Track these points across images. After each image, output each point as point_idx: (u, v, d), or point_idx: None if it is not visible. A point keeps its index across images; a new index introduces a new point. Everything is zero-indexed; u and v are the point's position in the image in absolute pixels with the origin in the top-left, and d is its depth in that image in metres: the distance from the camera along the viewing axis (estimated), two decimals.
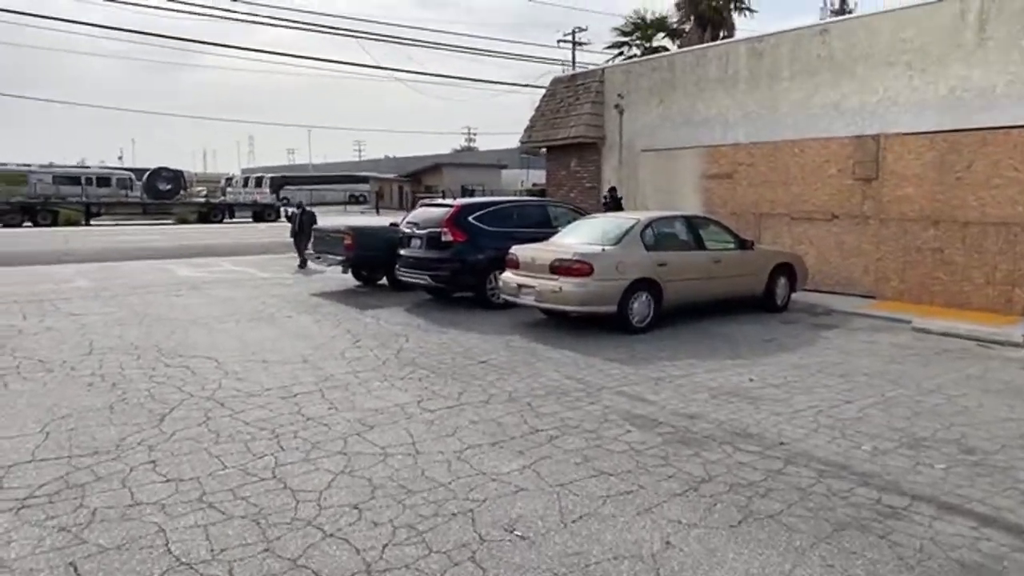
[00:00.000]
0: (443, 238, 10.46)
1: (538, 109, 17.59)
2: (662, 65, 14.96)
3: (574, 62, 56.31)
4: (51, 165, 53.07)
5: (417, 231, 10.90)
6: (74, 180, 45.81)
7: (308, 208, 16.99)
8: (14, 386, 6.53)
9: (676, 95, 14.48)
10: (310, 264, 15.36)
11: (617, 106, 15.50)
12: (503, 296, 9.57)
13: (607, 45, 30.06)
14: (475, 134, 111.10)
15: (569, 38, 56.23)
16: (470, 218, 10.64)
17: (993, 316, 9.58)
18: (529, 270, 9.08)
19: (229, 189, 61.41)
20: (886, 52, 11.07)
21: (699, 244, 9.65)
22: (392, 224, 13.71)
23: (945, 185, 10.35)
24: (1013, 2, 9.63)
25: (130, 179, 48.28)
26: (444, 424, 5.47)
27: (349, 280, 14.02)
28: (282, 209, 37.28)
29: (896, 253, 11.00)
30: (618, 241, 8.89)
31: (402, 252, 11.29)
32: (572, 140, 16.24)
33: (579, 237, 9.46)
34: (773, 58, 12.72)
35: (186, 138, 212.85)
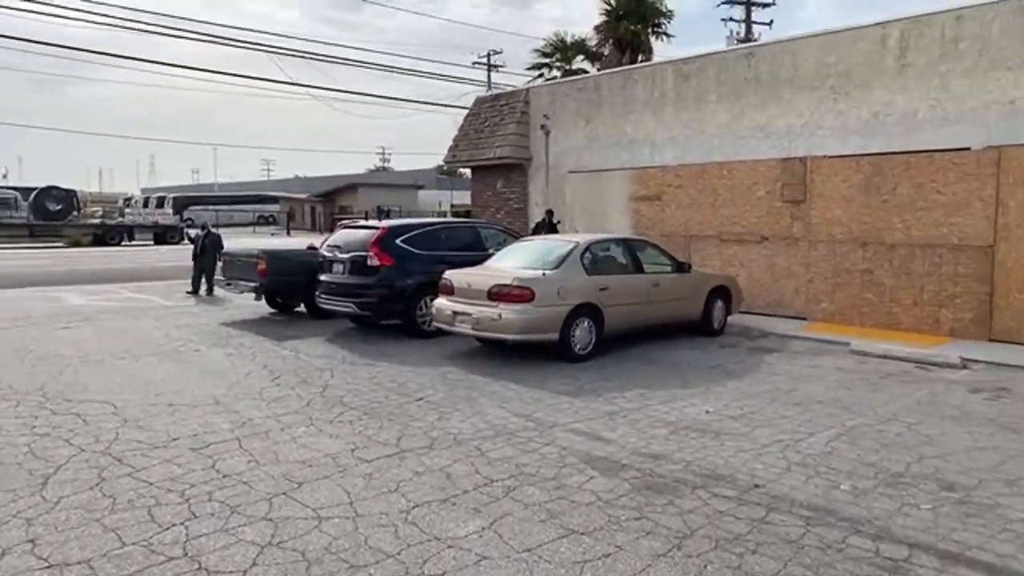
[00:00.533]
0: (369, 262, 9.77)
1: (461, 129, 17.14)
2: (588, 86, 14.82)
3: (489, 84, 56.52)
4: None
5: (340, 255, 10.16)
6: None
7: (213, 230, 15.72)
8: None
9: (603, 116, 14.33)
10: (218, 291, 14.22)
11: (543, 127, 15.24)
12: (436, 324, 8.96)
13: (528, 66, 30.15)
14: (390, 154, 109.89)
15: (484, 60, 56.61)
16: (398, 241, 10.00)
17: (922, 336, 9.71)
18: (465, 296, 8.53)
19: (128, 210, 57.96)
20: (811, 76, 11.22)
21: (638, 267, 9.36)
22: (310, 247, 12.87)
23: (872, 208, 10.50)
24: (931, 29, 9.90)
25: (15, 199, 44.78)
26: (385, 477, 4.82)
27: (262, 308, 13.05)
28: (186, 231, 35.14)
29: (826, 275, 11.08)
30: (558, 265, 8.47)
31: (323, 278, 10.50)
32: (498, 161, 15.86)
33: (516, 261, 8.99)
34: (699, 80, 12.74)
35: (80, 157, 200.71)
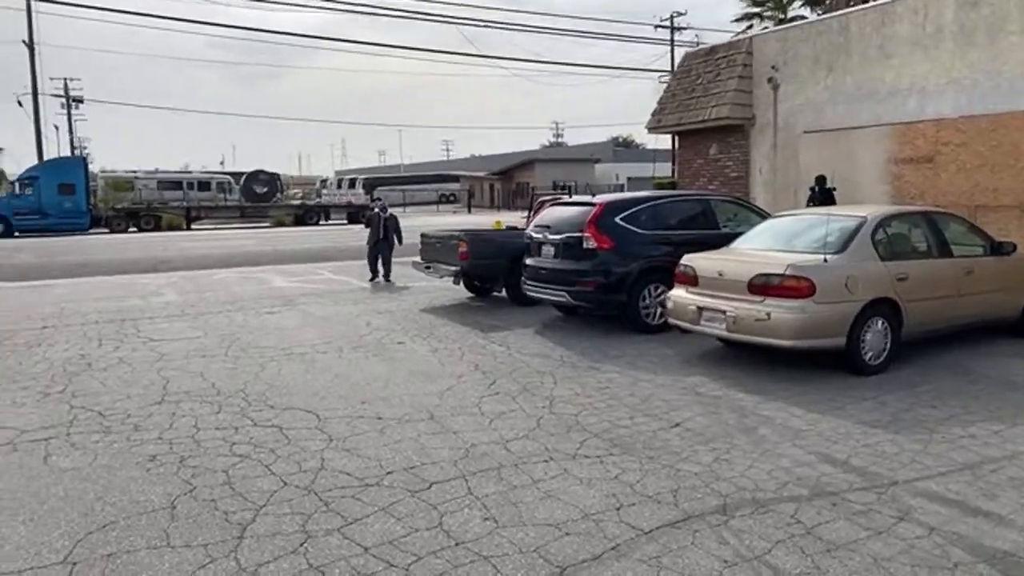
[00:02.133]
0: (584, 245, 8.34)
1: (668, 90, 15.24)
2: (831, 28, 12.34)
3: (672, 51, 53.37)
4: (156, 171, 54.43)
5: (550, 236, 8.82)
6: (176, 185, 46.65)
7: (390, 211, 14.53)
8: (57, 460, 4.86)
9: (851, 63, 11.84)
10: (400, 273, 13.54)
11: (771, 80, 12.98)
12: (674, 322, 7.34)
13: (734, 18, 26.88)
14: (563, 129, 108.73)
15: (667, 23, 53.43)
16: (617, 219, 8.47)
17: None
18: (714, 288, 6.83)
19: (324, 191, 61.62)
20: None
21: (944, 249, 7.14)
22: (511, 228, 11.76)
23: None
24: None
25: (229, 183, 48.81)
26: (682, 564, 3.34)
27: (461, 292, 12.15)
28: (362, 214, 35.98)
29: None
30: (843, 247, 6.50)
31: (530, 262, 9.25)
32: (713, 123, 13.82)
33: (779, 242, 7.13)
34: (995, 6, 9.94)
35: (282, 143, 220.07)
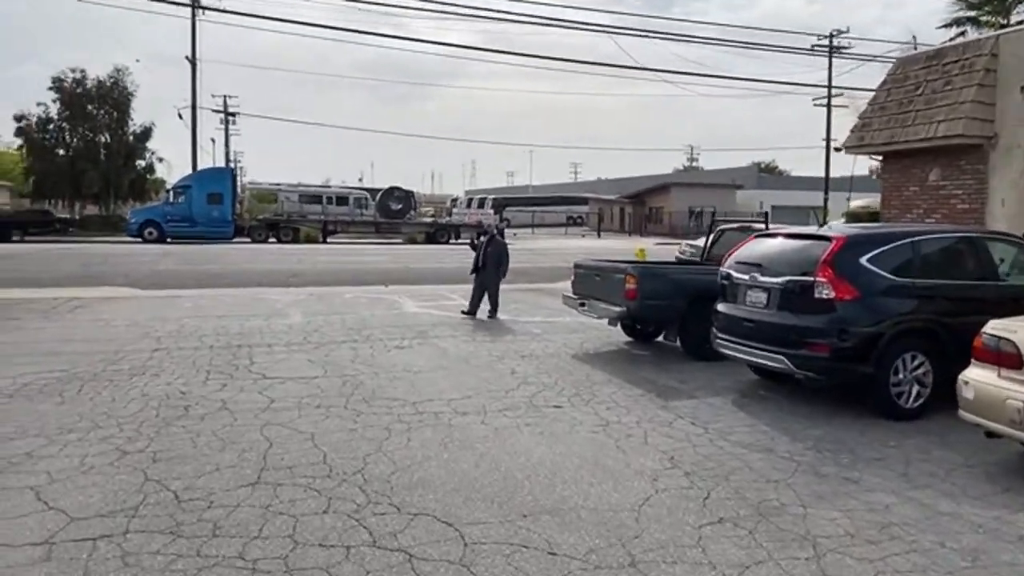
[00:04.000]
0: (817, 293, 6.14)
1: (874, 102, 12.64)
2: None
3: (830, 72, 49.25)
4: (298, 184, 56.33)
5: (760, 279, 6.68)
6: (316, 199, 47.68)
7: (498, 235, 12.47)
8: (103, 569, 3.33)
9: None
10: (508, 312, 11.71)
11: None
12: (972, 418, 4.99)
13: (941, 24, 23.36)
14: (699, 153, 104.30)
15: (826, 42, 49.56)
16: (863, 260, 6.21)
17: None
18: None
19: (455, 210, 61.62)
20: None
21: None
22: (681, 259, 9.69)
23: None
24: None
25: (366, 199, 49.45)
26: None
27: (615, 334, 10.19)
28: (472, 237, 34.58)
29: None
30: None
31: (723, 309, 7.16)
32: (940, 141, 11.13)
33: None
34: None
35: (416, 162, 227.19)
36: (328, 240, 38.02)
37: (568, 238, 50.55)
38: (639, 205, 64.08)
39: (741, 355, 6.82)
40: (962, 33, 21.15)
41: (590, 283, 9.21)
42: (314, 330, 10.49)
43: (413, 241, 39.58)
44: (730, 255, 7.37)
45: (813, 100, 52.12)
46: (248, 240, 35.95)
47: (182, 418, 5.99)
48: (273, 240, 36.37)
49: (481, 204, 63.18)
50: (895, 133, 11.88)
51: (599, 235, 55.77)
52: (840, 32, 49.45)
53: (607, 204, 68.85)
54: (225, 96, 55.89)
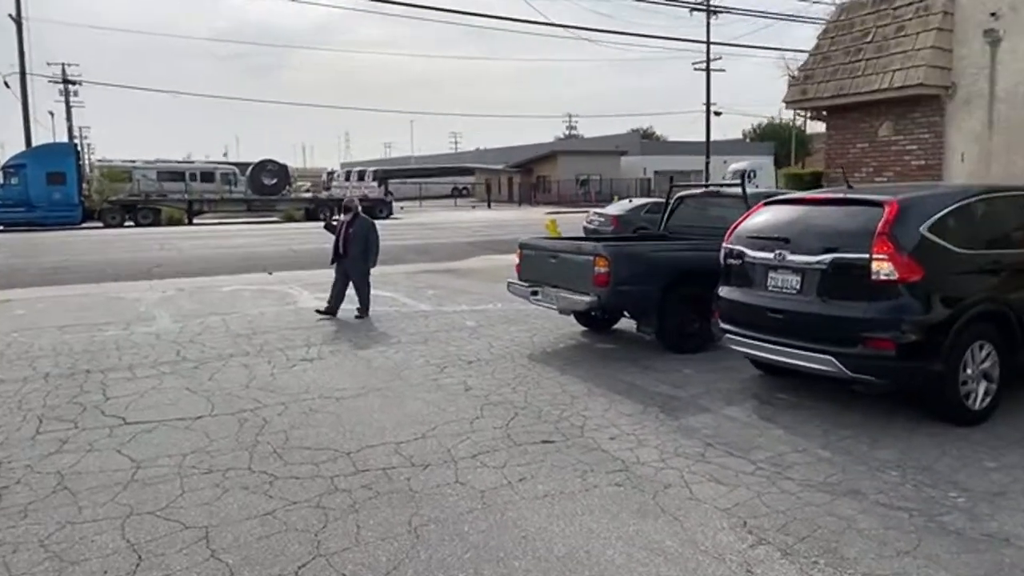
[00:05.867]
0: (875, 274, 4.78)
1: (816, 51, 11.67)
2: None
3: (708, 32, 49.61)
4: (156, 161, 50.89)
5: (790, 258, 5.25)
6: (178, 176, 43.12)
7: (362, 213, 9.94)
8: None
9: None
10: (387, 304, 9.84)
11: (989, 32, 9.40)
12: None
13: None
14: (576, 120, 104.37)
15: (703, 6, 49.82)
16: (924, 229, 4.90)
17: None
18: None
19: (334, 184, 58.00)
20: None
21: None
22: (649, 233, 8.26)
23: None
24: None
25: (234, 174, 45.26)
26: None
27: (565, 323, 8.65)
28: (328, 216, 31.83)
29: None
30: None
31: (731, 295, 5.74)
32: (892, 92, 10.26)
33: None
34: None
35: (286, 134, 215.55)
36: (194, 221, 34.21)
37: (458, 210, 48.69)
38: (526, 174, 63.00)
39: (765, 355, 5.41)
40: None
41: (543, 267, 7.54)
42: (189, 340, 8.25)
43: (291, 219, 36.37)
44: (736, 227, 5.91)
45: (693, 64, 52.47)
46: (100, 225, 31.64)
47: None
48: (130, 224, 32.23)
49: (361, 176, 59.79)
50: (843, 85, 10.93)
51: (489, 206, 54.22)
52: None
53: (494, 174, 67.22)
54: (63, 64, 49.32)
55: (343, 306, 9.69)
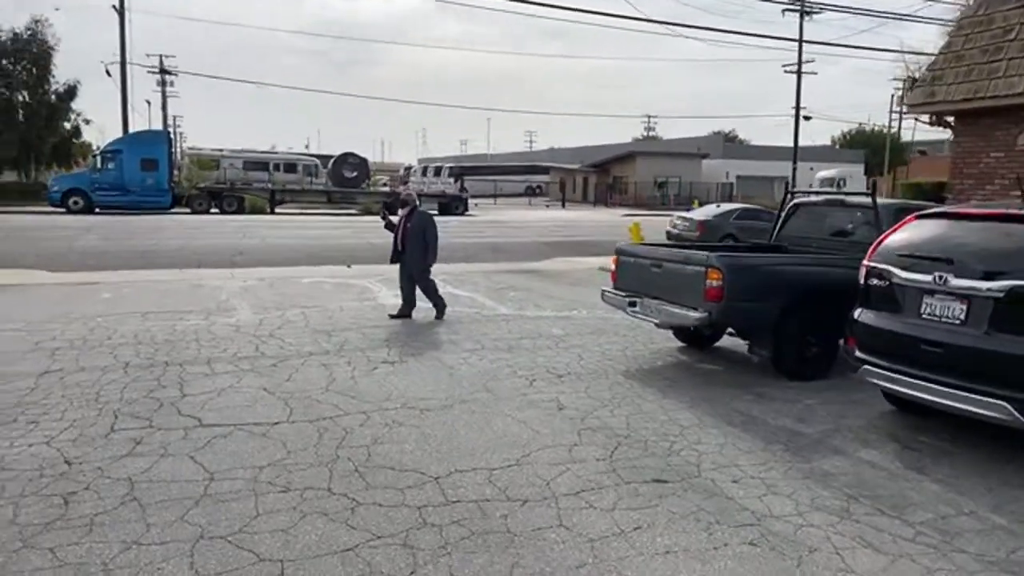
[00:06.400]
0: None
1: (948, 50, 10.58)
2: None
3: (801, 35, 47.50)
4: (243, 150, 52.37)
5: (954, 282, 4.48)
6: (262, 166, 44.20)
7: (420, 207, 9.69)
8: None
9: None
10: (483, 305, 9.24)
11: None
12: None
13: None
14: (656, 122, 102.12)
15: (796, 6, 47.70)
16: None
17: None
18: None
19: (412, 179, 58.43)
20: None
21: None
22: (773, 246, 7.53)
23: None
24: None
25: (315, 166, 46.12)
26: None
27: (660, 337, 7.99)
28: (384, 212, 31.75)
29: None
30: None
31: (874, 321, 5.00)
32: None
33: None
34: None
35: (365, 129, 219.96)
36: (276, 211, 34.83)
37: (533, 209, 48.29)
38: (603, 175, 61.99)
39: (916, 393, 4.65)
40: None
41: (644, 276, 6.91)
42: (269, 334, 7.99)
43: (369, 212, 36.55)
44: (881, 243, 5.16)
45: (783, 65, 50.42)
46: (187, 210, 32.56)
47: (54, 526, 3.53)
48: (215, 210, 33.06)
49: (438, 172, 60.09)
50: (979, 87, 9.84)
51: (564, 205, 53.58)
52: None
53: (569, 174, 66.49)
54: (161, 55, 51.35)
55: (421, 305, 9.30)
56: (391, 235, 9.49)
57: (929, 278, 4.59)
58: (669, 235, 20.36)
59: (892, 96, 63.34)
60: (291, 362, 6.80)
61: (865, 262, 5.18)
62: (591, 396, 5.88)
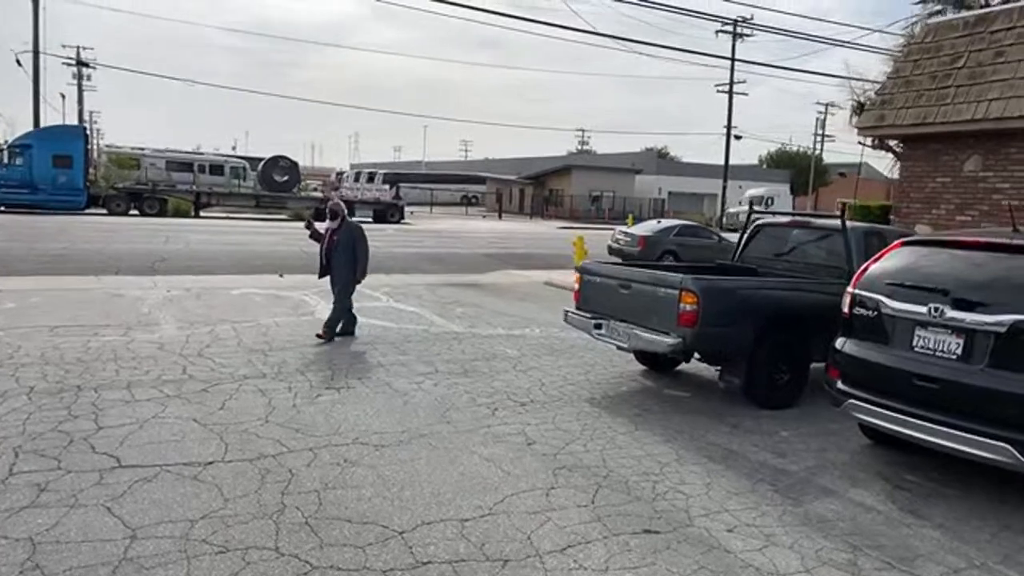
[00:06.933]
0: None
1: (896, 75, 10.72)
2: None
3: (733, 57, 48.79)
4: (166, 150, 49.96)
5: (950, 314, 4.25)
6: (186, 166, 42.30)
7: (350, 217, 9.00)
8: None
9: None
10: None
11: None
12: None
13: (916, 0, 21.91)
14: (589, 136, 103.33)
15: (729, 29, 48.96)
16: None
17: None
18: None
19: (345, 185, 57.07)
20: None
21: None
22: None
23: None
24: None
25: (244, 168, 44.47)
26: None
27: (620, 359, 7.65)
28: (309, 220, 31.06)
29: None
30: None
31: (859, 352, 4.76)
32: (987, 124, 9.30)
33: None
34: None
35: (295, 134, 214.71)
36: (201, 214, 33.21)
37: (469, 219, 47.84)
38: (539, 187, 62.10)
39: (908, 431, 4.40)
40: (936, 13, 19.70)
41: (611, 297, 6.53)
42: (197, 353, 7.25)
43: (299, 217, 35.33)
44: (867, 270, 4.93)
45: (716, 85, 51.71)
46: (104, 211, 30.64)
47: None
48: (135, 212, 31.23)
49: (371, 178, 58.76)
50: (927, 112, 9.97)
51: (500, 217, 53.28)
52: (743, 20, 48.63)
53: (505, 184, 66.31)
54: (79, 46, 48.50)
55: (367, 320, 8.69)
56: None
57: (923, 309, 4.36)
58: (611, 250, 20.25)
59: (816, 119, 66.08)
60: (224, 387, 6.12)
61: (850, 289, 4.94)
62: (559, 428, 5.45)
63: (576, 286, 7.07)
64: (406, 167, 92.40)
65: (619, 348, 6.56)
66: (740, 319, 5.89)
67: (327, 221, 8.66)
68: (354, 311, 8.69)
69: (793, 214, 9.74)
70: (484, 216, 53.55)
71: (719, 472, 4.73)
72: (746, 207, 51.31)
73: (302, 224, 8.99)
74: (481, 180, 70.61)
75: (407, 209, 40.54)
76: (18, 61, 34.28)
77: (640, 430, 5.51)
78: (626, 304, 6.34)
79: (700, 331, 5.73)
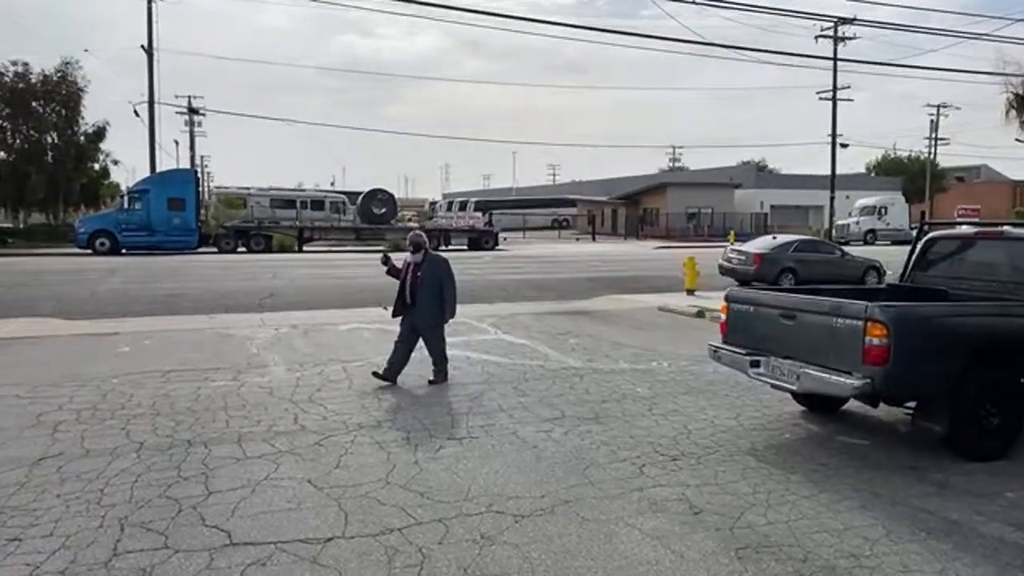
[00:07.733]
0: None
1: None
2: None
3: (835, 65, 46.22)
4: (270, 188, 52.08)
5: None
6: (289, 203, 43.81)
7: (432, 250, 8.00)
8: None
9: None
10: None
11: None
12: None
13: None
14: (681, 152, 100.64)
15: (829, 34, 46.49)
16: None
17: None
18: None
19: (438, 214, 57.77)
20: None
21: None
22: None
23: None
24: None
25: (343, 202, 45.65)
26: None
27: (773, 398, 6.65)
28: (386, 254, 30.65)
29: None
30: None
31: None
32: None
33: None
34: None
35: (387, 166, 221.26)
36: (304, 248, 34.05)
37: (563, 242, 47.15)
38: (632, 207, 60.81)
39: None
40: None
41: (771, 328, 5.60)
42: (308, 398, 6.80)
43: (398, 248, 35.69)
44: (908, 271, 3.82)
45: (818, 93, 49.16)
46: (215, 250, 31.86)
47: None
48: (243, 249, 32.32)
49: (463, 207, 59.40)
50: None
51: (594, 238, 52.36)
52: (845, 21, 46.04)
53: (597, 206, 65.38)
54: (189, 96, 51.43)
55: (478, 355, 8.06)
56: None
57: None
58: (722, 269, 19.00)
59: (931, 120, 61.79)
60: (338, 439, 5.59)
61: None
62: (726, 491, 4.57)
63: (723, 316, 6.17)
64: (496, 194, 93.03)
65: (782, 390, 5.60)
66: (943, 353, 4.84)
67: (408, 254, 7.84)
68: (464, 344, 8.06)
69: (951, 222, 8.45)
70: (577, 239, 52.76)
71: (948, 554, 3.72)
72: (856, 218, 48.36)
73: (402, 253, 8.34)
74: (571, 203, 69.97)
75: (500, 235, 40.38)
76: (136, 112, 36.46)
77: (825, 493, 4.55)
78: (791, 337, 5.40)
79: (893, 370, 4.72)
